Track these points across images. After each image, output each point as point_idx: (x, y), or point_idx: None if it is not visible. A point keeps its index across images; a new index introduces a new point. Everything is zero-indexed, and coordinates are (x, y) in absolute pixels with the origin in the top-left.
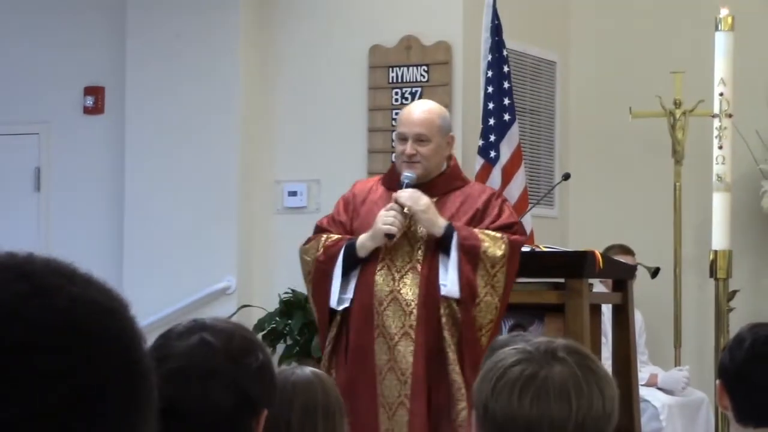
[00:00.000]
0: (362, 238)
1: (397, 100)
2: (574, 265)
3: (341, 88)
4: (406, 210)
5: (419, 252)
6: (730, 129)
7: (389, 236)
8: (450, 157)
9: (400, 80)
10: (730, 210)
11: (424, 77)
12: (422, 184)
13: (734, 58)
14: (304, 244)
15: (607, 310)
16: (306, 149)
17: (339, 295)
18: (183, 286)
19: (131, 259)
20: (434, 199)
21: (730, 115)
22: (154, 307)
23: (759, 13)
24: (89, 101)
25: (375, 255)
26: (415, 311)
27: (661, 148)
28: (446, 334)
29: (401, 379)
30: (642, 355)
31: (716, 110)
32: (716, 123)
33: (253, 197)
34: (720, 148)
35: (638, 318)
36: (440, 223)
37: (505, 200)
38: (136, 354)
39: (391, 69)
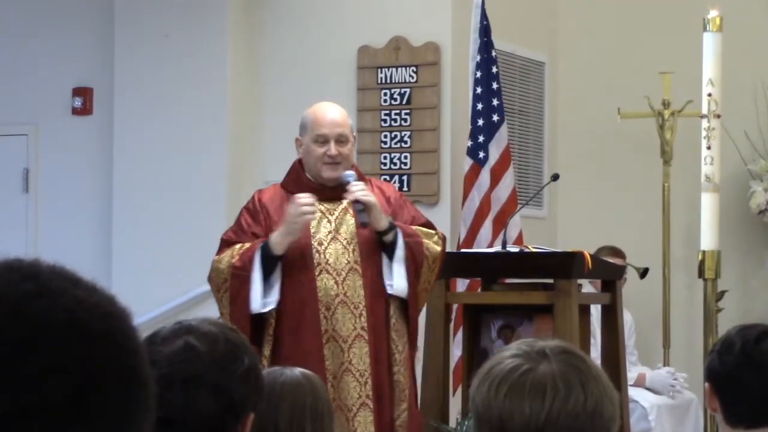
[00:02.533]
0: (275, 236)
1: (386, 101)
2: (562, 265)
3: (330, 89)
4: (363, 198)
5: (356, 253)
6: (718, 129)
7: (364, 223)
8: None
9: (388, 81)
10: (719, 210)
11: (412, 78)
12: (337, 186)
13: (722, 59)
14: (216, 255)
15: (595, 311)
16: (294, 150)
17: (262, 299)
18: (172, 287)
19: (120, 259)
20: (343, 203)
21: (718, 116)
22: (143, 307)
23: (747, 14)
24: (78, 102)
25: (308, 260)
26: (364, 313)
27: (649, 148)
28: (394, 334)
29: (360, 380)
30: (631, 355)
31: (705, 111)
32: (705, 123)
33: (241, 198)
34: (708, 148)
35: (627, 319)
36: (384, 217)
37: (405, 197)
38: (136, 360)
39: (379, 70)
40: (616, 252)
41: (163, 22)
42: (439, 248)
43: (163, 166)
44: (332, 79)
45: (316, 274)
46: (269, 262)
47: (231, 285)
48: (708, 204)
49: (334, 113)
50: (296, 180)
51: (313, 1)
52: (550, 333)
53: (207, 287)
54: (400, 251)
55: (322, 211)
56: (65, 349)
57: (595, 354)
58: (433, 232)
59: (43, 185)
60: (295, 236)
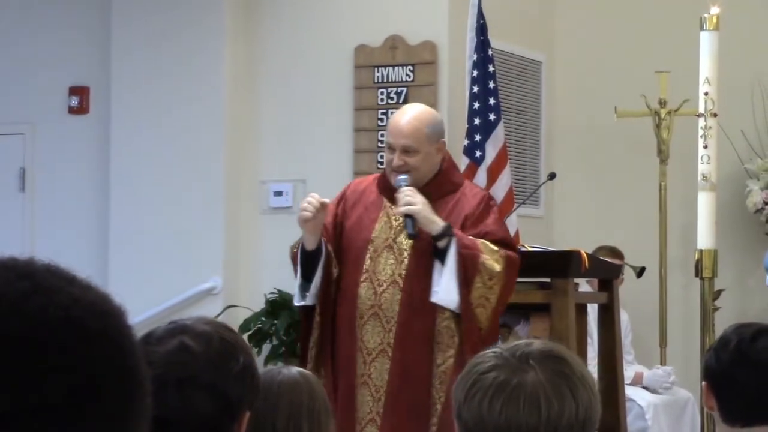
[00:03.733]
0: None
1: (382, 100)
2: (559, 264)
3: (327, 88)
4: (403, 209)
5: (403, 265)
6: (715, 128)
7: (411, 235)
8: (444, 160)
9: (385, 80)
10: (716, 209)
11: (409, 77)
12: None
13: (719, 58)
14: None
15: (592, 310)
16: (291, 149)
17: (302, 292)
18: (169, 287)
19: (117, 259)
20: None
21: (715, 115)
22: (139, 307)
23: (744, 13)
24: (74, 101)
25: (359, 265)
26: (394, 328)
27: (646, 147)
28: (435, 348)
29: (375, 396)
30: (628, 354)
31: (701, 110)
32: (701, 122)
33: (239, 197)
34: (705, 147)
35: (624, 317)
36: (438, 221)
37: (495, 207)
38: (132, 359)
39: (376, 69)
40: (615, 252)
41: (159, 22)
42: (498, 267)
43: (160, 165)
44: (329, 78)
45: (361, 280)
46: (307, 256)
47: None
48: (705, 203)
49: (404, 121)
50: (383, 179)
51: (309, 1)
52: (547, 332)
53: (204, 286)
54: (451, 260)
55: (389, 215)
56: (61, 347)
57: (593, 354)
58: (496, 249)
59: (39, 184)
60: (308, 233)
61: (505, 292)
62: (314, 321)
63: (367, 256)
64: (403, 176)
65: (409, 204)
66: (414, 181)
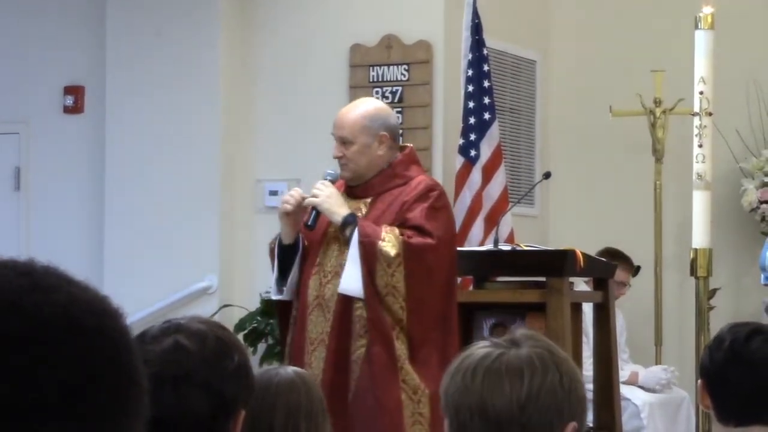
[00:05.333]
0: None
1: (378, 99)
2: (554, 263)
3: (322, 87)
4: (307, 201)
5: (344, 256)
6: (710, 127)
7: (308, 225)
8: (403, 154)
9: (380, 79)
10: (711, 208)
11: (404, 76)
12: (361, 185)
13: (714, 57)
14: None
15: (588, 309)
16: (287, 148)
17: (279, 287)
18: (164, 286)
19: (112, 258)
20: (368, 200)
21: (710, 114)
22: (134, 306)
23: (739, 12)
24: (69, 100)
25: (312, 258)
26: (331, 318)
27: (641, 146)
28: (353, 339)
29: None
30: (623, 353)
31: (696, 109)
32: (696, 121)
33: (234, 196)
34: (700, 146)
35: (619, 316)
36: (341, 212)
37: (434, 197)
38: (129, 357)
39: (371, 68)
40: (617, 255)
41: (155, 21)
42: (393, 252)
43: (155, 164)
44: (324, 77)
45: (313, 273)
46: (284, 251)
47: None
48: (700, 202)
49: (344, 114)
50: None
51: (305, 0)
52: (543, 331)
53: (199, 285)
54: (353, 248)
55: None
56: (59, 343)
57: (588, 353)
58: (398, 235)
59: (34, 184)
60: (287, 227)
61: (413, 280)
62: (291, 317)
63: (321, 249)
64: (331, 171)
65: (314, 196)
66: (351, 174)
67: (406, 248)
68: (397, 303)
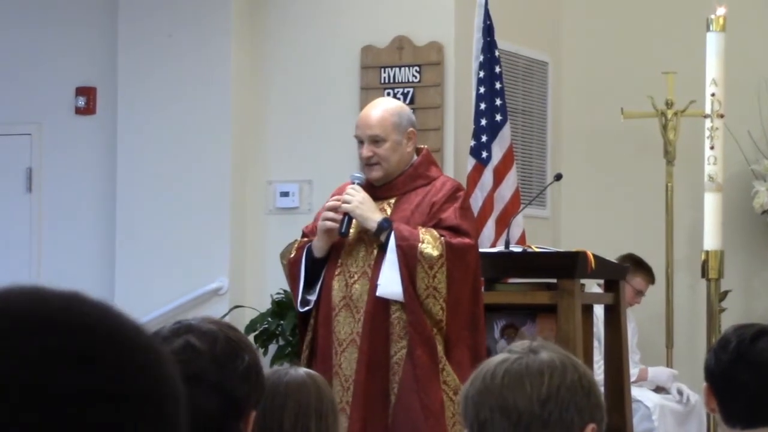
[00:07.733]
0: (315, 239)
1: None
2: (565, 265)
3: (333, 89)
4: (342, 207)
5: (372, 256)
6: (721, 129)
7: (341, 233)
8: (419, 152)
9: (392, 81)
10: (722, 210)
11: (416, 78)
12: (384, 186)
13: (726, 59)
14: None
15: (602, 314)
16: (298, 150)
17: (304, 296)
18: (175, 287)
19: (123, 259)
20: (392, 200)
21: (721, 116)
22: (146, 307)
23: (751, 14)
24: (81, 102)
25: (334, 259)
26: (362, 318)
27: (652, 148)
28: (393, 341)
29: (344, 385)
30: (635, 355)
31: (708, 110)
32: (708, 123)
33: (245, 198)
34: (711, 148)
35: (630, 318)
36: (375, 217)
37: (462, 197)
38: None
39: (383, 69)
40: (640, 264)
41: (166, 22)
42: (436, 252)
43: (167, 165)
44: (335, 79)
45: (336, 273)
46: (313, 265)
47: (288, 279)
48: (711, 204)
49: (370, 113)
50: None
51: (316, 1)
52: (553, 333)
53: (210, 286)
54: (391, 252)
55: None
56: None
57: (599, 357)
58: (438, 236)
59: (46, 185)
60: (325, 244)
61: (453, 281)
62: (309, 324)
63: (342, 250)
64: (358, 174)
65: (346, 202)
66: (383, 174)
67: (449, 249)
68: (438, 304)
